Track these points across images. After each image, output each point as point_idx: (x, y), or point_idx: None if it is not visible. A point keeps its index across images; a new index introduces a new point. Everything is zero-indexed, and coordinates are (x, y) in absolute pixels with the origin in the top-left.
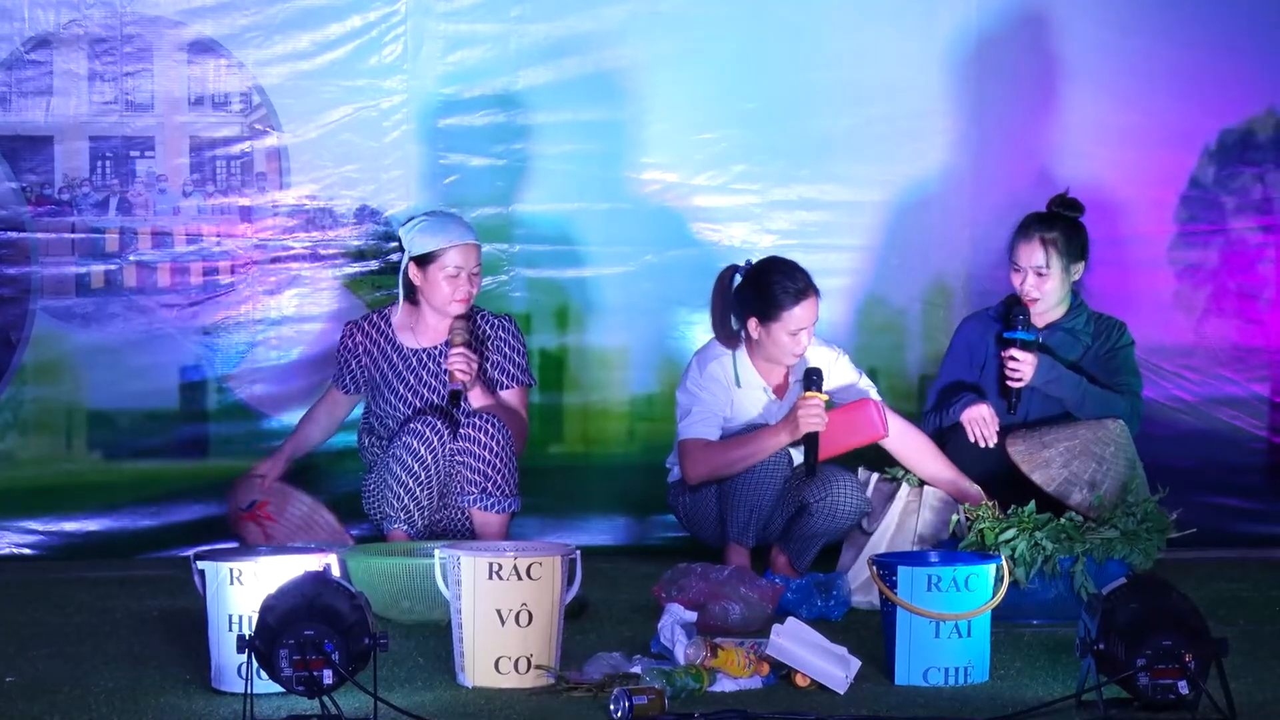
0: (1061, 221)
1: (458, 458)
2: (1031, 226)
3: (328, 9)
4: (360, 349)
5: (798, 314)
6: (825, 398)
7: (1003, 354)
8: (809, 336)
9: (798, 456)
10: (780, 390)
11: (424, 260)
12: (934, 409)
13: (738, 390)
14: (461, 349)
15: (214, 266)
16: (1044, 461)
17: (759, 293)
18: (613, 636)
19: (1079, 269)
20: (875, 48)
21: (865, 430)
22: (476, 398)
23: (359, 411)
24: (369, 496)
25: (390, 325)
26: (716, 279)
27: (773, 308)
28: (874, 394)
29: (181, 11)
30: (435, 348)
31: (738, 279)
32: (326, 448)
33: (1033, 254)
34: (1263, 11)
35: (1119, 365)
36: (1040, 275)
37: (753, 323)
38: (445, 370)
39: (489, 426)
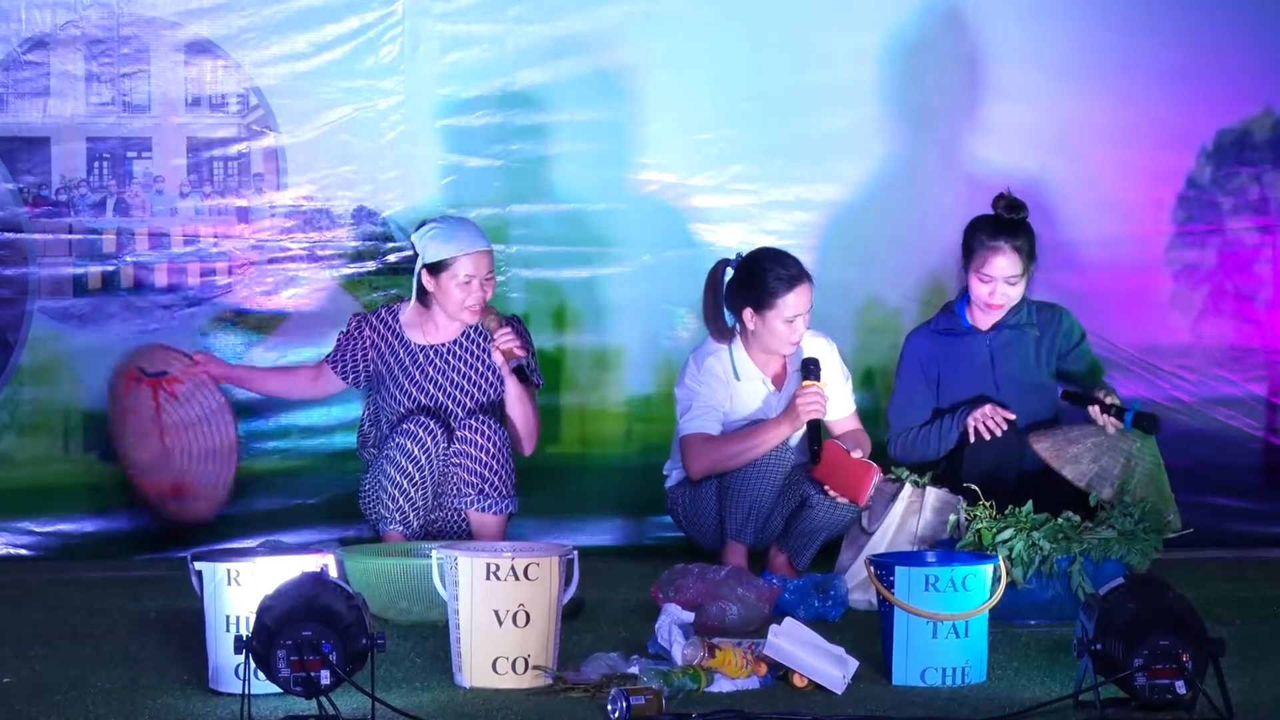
0: (1022, 226)
1: (454, 459)
2: (999, 237)
3: (325, 10)
4: (368, 342)
5: (791, 300)
6: (823, 384)
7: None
8: (804, 323)
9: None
10: (779, 381)
11: (436, 268)
12: (903, 433)
13: (737, 384)
14: (505, 329)
15: (211, 267)
16: (1073, 457)
17: (752, 282)
18: (610, 637)
19: (1033, 267)
20: (871, 47)
21: (853, 490)
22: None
23: (359, 413)
24: (365, 497)
25: (399, 321)
26: (708, 274)
27: (767, 295)
28: (852, 402)
29: (178, 12)
30: (444, 345)
31: (729, 272)
32: (326, 448)
33: (1010, 265)
34: (1260, 11)
35: (1090, 363)
36: (1011, 284)
37: (748, 313)
38: (481, 365)
39: (485, 428)
